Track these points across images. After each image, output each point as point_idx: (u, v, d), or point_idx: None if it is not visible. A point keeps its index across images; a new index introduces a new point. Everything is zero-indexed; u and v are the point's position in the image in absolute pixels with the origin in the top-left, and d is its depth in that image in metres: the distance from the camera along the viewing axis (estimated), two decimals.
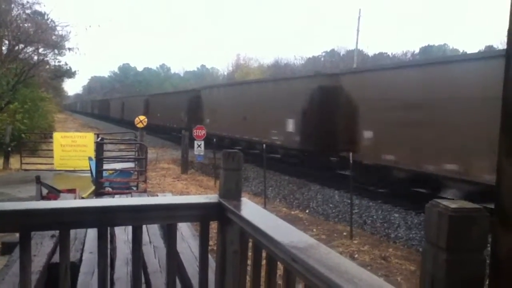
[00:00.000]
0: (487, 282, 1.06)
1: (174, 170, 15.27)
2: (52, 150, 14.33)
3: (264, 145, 11.70)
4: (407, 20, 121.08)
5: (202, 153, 15.42)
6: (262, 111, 17.33)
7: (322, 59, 65.61)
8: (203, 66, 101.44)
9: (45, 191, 7.60)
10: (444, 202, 1.03)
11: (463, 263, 1.00)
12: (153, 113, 32.24)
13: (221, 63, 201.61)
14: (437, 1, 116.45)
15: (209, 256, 2.44)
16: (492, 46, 48.49)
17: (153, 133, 29.99)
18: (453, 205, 1.01)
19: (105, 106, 56.52)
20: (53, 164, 14.01)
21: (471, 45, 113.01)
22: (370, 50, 73.80)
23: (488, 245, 1.06)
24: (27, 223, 1.99)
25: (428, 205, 1.04)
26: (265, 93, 17.89)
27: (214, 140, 14.83)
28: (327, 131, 13.61)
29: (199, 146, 15.26)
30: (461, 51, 61.72)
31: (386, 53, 63.43)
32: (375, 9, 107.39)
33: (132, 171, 10.56)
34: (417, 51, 62.90)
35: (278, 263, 1.77)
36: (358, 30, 38.72)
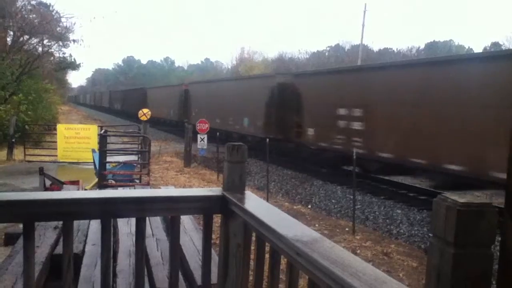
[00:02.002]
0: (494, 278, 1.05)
1: (177, 163, 15.28)
2: (55, 141, 14.34)
3: (267, 140, 11.68)
4: (413, 15, 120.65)
5: (205, 147, 15.41)
6: None
7: (327, 53, 65.36)
8: (207, 59, 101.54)
9: (48, 183, 7.62)
10: (453, 197, 1.02)
11: (470, 257, 1.00)
12: (312, 119, 15.06)
13: (225, 57, 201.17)
14: None
15: (212, 249, 2.44)
16: (497, 43, 48.32)
17: (156, 129, 29.85)
18: (461, 199, 1.00)
19: (137, 98, 38.19)
20: (56, 155, 14.03)
21: (477, 41, 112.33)
22: (375, 45, 73.62)
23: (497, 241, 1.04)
24: (32, 213, 1.98)
25: (436, 199, 1.03)
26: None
27: (218, 133, 14.82)
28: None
29: (202, 139, 15.24)
30: (466, 47, 61.55)
31: (391, 48, 63.20)
32: (381, 4, 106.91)
33: (135, 164, 10.57)
34: (422, 46, 62.65)
35: (282, 256, 1.77)
36: (363, 25, 38.51)
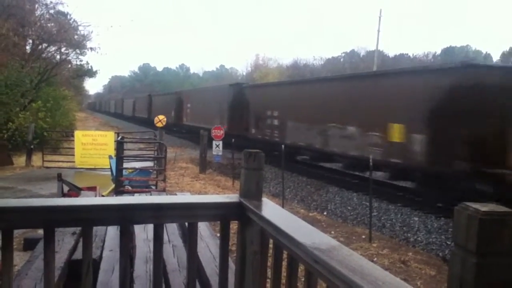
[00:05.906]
0: None
1: (192, 169, 15.33)
2: (73, 148, 14.53)
3: (283, 146, 11.66)
4: (429, 21, 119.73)
5: (220, 153, 15.46)
6: None
7: (342, 59, 65.22)
8: (222, 66, 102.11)
9: (66, 189, 7.70)
10: (474, 205, 1.01)
11: (493, 267, 0.98)
12: None
13: (240, 64, 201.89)
14: (460, 1, 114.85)
15: (228, 256, 2.44)
16: None
17: (172, 132, 30.00)
18: (483, 208, 0.99)
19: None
20: (74, 162, 14.20)
21: (495, 46, 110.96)
22: (391, 51, 73.20)
23: None
24: (52, 219, 2.01)
25: (457, 208, 1.02)
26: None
27: (233, 140, 14.84)
28: None
29: (217, 146, 15.29)
30: (484, 52, 60.81)
31: (407, 54, 62.82)
32: (396, 9, 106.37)
33: (151, 170, 10.64)
34: (438, 52, 62.16)
35: (299, 264, 1.76)
36: (378, 31, 38.38)
